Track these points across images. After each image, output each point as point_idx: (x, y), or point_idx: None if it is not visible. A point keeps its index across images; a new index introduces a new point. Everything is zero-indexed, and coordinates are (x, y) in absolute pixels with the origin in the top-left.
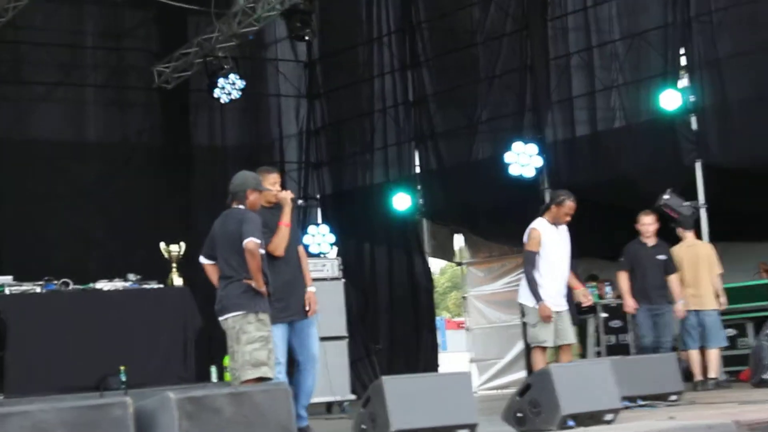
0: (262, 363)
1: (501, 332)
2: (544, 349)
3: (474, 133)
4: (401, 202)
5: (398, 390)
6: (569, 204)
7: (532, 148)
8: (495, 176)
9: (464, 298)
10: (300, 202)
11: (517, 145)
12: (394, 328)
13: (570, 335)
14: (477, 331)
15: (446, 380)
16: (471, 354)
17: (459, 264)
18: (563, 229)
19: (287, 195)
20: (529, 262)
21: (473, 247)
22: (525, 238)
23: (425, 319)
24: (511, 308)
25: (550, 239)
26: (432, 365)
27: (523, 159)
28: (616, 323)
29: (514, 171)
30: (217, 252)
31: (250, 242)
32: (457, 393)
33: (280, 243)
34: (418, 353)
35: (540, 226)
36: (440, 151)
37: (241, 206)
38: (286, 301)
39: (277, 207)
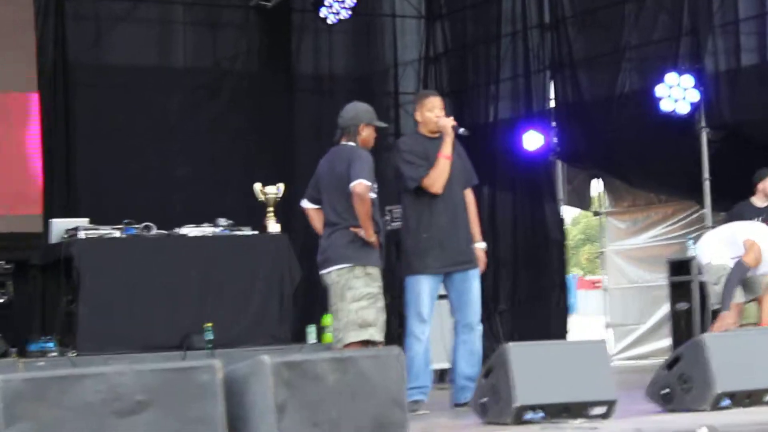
0: (369, 324)
1: (643, 293)
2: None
3: (620, 62)
4: (532, 140)
5: (525, 359)
6: None
7: (689, 80)
8: (643, 112)
9: (601, 253)
10: (462, 131)
11: (671, 77)
12: (518, 287)
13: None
14: (615, 291)
15: (580, 348)
16: (607, 318)
17: (596, 214)
18: None
19: (448, 122)
20: (739, 273)
21: (614, 194)
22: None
23: (555, 277)
24: (656, 266)
25: None
26: (561, 331)
27: (677, 93)
28: None
29: (666, 106)
30: (323, 195)
31: (359, 185)
32: (592, 364)
33: (438, 177)
34: (547, 316)
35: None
36: (579, 82)
37: (352, 143)
38: (442, 248)
39: (439, 138)
